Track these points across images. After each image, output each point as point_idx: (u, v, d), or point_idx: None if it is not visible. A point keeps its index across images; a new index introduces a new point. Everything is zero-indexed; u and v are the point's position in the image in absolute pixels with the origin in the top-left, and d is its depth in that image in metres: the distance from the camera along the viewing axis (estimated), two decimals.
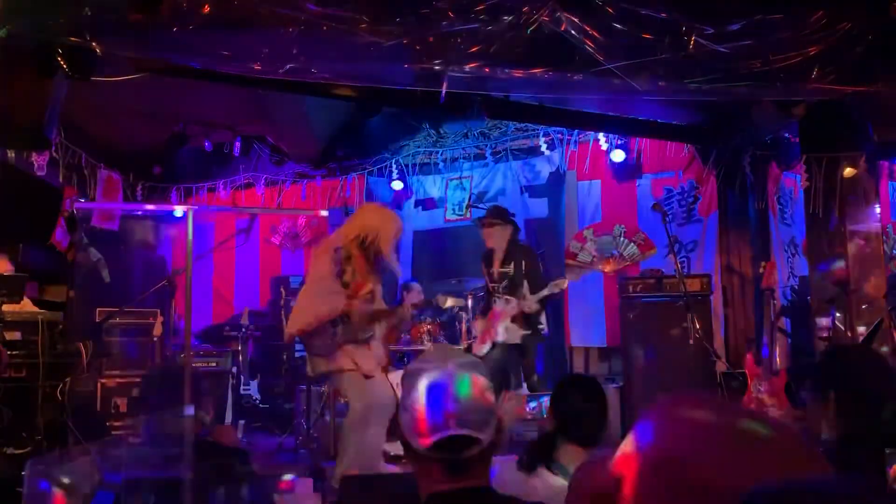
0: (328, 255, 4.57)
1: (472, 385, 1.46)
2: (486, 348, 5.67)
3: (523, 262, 5.73)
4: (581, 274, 7.08)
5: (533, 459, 2.32)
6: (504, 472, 2.00)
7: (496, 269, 5.79)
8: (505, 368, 5.66)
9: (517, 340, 5.62)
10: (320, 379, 5.05)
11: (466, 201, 7.66)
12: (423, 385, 1.47)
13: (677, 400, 0.82)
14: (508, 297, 5.65)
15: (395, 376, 5.70)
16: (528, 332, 5.65)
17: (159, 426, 2.59)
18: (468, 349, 5.92)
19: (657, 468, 0.71)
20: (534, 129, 7.36)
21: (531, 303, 5.59)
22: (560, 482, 2.25)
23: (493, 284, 5.82)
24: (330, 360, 4.51)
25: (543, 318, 5.82)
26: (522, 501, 1.56)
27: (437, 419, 1.43)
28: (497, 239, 5.81)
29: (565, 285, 5.84)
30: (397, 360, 6.34)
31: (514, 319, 5.61)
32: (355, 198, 8.00)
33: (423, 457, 1.47)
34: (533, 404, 5.74)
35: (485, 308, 5.99)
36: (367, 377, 4.49)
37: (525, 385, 5.85)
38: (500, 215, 5.89)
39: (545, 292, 5.63)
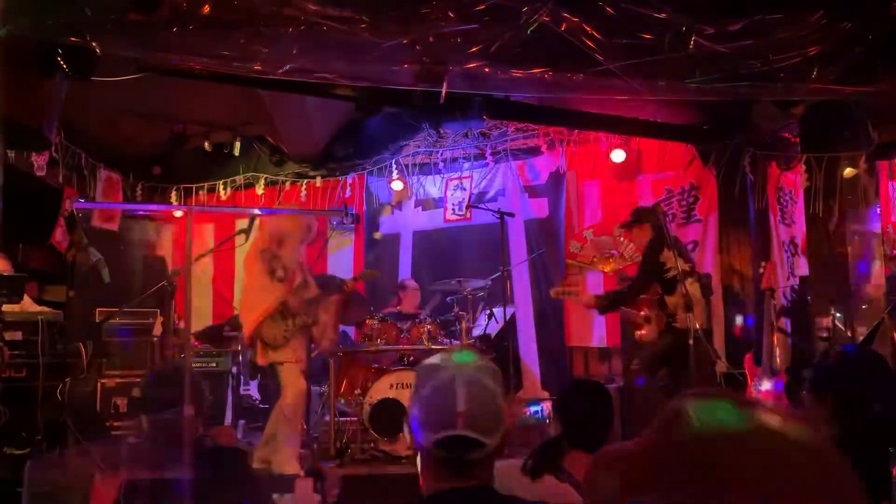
0: (257, 258, 5.19)
1: (484, 390, 1.47)
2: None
3: None
4: (581, 274, 7.08)
5: (538, 465, 2.29)
6: (507, 475, 1.99)
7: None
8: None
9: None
10: (267, 369, 5.63)
11: (466, 201, 7.66)
12: (437, 381, 1.48)
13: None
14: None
15: (397, 376, 5.73)
16: None
17: (158, 427, 2.59)
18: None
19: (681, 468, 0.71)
20: (534, 129, 7.36)
21: None
22: (566, 489, 2.24)
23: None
24: (278, 351, 5.14)
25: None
26: (523, 501, 1.56)
27: (446, 417, 1.44)
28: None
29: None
30: (397, 360, 6.34)
31: None
32: (355, 198, 8.00)
33: (426, 452, 1.47)
34: (535, 408, 5.75)
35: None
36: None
37: None
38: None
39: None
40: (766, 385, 5.18)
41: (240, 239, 4.91)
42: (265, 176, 8.28)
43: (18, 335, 4.83)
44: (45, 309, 5.19)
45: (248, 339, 5.31)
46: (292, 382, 5.13)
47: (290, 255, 5.24)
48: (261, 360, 5.27)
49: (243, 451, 2.90)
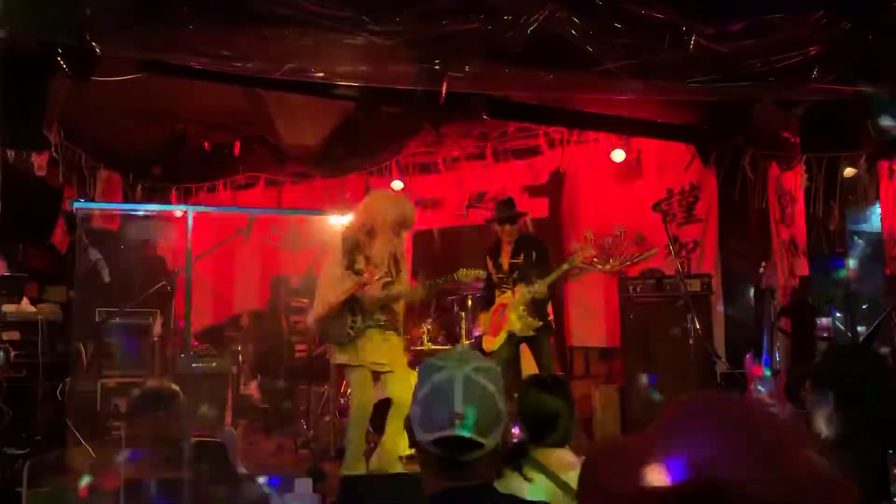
0: (339, 244, 4.77)
1: (483, 391, 1.47)
2: (499, 340, 5.52)
3: (533, 253, 5.59)
4: (581, 274, 7.08)
5: (505, 464, 2.25)
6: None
7: (505, 259, 5.65)
8: (517, 365, 5.59)
9: (530, 333, 5.47)
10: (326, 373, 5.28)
11: (466, 201, 7.66)
12: (436, 380, 1.48)
13: (700, 408, 0.81)
14: (516, 288, 5.52)
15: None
16: (541, 323, 5.48)
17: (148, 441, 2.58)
18: (476, 341, 5.91)
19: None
20: (534, 130, 7.36)
21: (542, 286, 5.41)
22: (535, 486, 2.23)
23: (499, 276, 5.68)
24: (340, 350, 4.73)
25: (550, 310, 5.72)
26: (524, 500, 1.57)
27: (444, 417, 1.44)
28: (509, 232, 5.69)
29: (583, 257, 5.71)
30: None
31: (525, 308, 5.45)
32: (355, 198, 8.00)
33: (425, 451, 1.48)
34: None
35: (487, 302, 5.85)
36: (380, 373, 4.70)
37: None
38: (511, 208, 5.78)
39: (561, 269, 5.55)
40: (766, 385, 5.17)
41: (240, 239, 4.86)
42: (265, 176, 8.28)
43: (18, 335, 4.84)
44: (44, 306, 5.17)
45: (308, 324, 4.94)
46: (356, 391, 4.76)
47: (379, 247, 4.73)
48: (333, 359, 4.99)
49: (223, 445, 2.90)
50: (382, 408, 5.49)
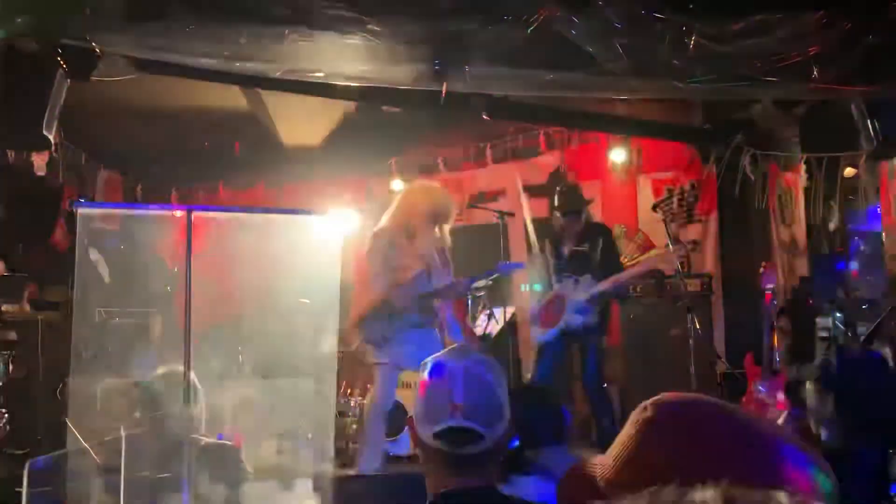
0: (371, 244, 4.60)
1: (483, 381, 1.47)
2: (549, 334, 5.25)
3: (600, 241, 5.29)
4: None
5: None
6: None
7: (569, 247, 5.31)
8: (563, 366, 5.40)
9: (589, 323, 5.13)
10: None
11: (466, 201, 7.66)
12: (435, 374, 1.49)
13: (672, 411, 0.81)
14: (578, 278, 5.18)
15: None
16: (598, 320, 5.19)
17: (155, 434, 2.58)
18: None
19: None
20: (534, 129, 7.36)
21: (610, 283, 5.13)
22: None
23: (559, 264, 5.33)
24: (381, 350, 4.59)
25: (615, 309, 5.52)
26: (527, 502, 1.56)
27: (444, 409, 1.44)
28: (580, 222, 5.35)
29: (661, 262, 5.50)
30: None
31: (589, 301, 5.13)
32: (355, 198, 8.00)
33: (428, 448, 1.47)
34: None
35: (542, 292, 5.45)
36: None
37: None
38: (582, 200, 5.46)
39: (640, 267, 5.38)
40: (766, 385, 5.17)
41: None
42: (265, 176, 8.29)
43: (18, 336, 4.84)
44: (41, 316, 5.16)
45: (349, 336, 4.74)
46: (381, 388, 4.65)
47: (417, 245, 4.56)
48: (365, 359, 4.83)
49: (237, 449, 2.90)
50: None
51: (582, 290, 5.13)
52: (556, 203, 5.49)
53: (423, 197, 4.65)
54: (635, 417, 0.82)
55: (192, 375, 2.99)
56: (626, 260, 7.01)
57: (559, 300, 5.26)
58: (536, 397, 2.67)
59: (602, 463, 0.84)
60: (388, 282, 4.52)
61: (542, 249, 5.50)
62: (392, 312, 4.53)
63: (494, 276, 4.95)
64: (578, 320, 5.12)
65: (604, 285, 5.09)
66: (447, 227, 4.76)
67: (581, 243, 5.29)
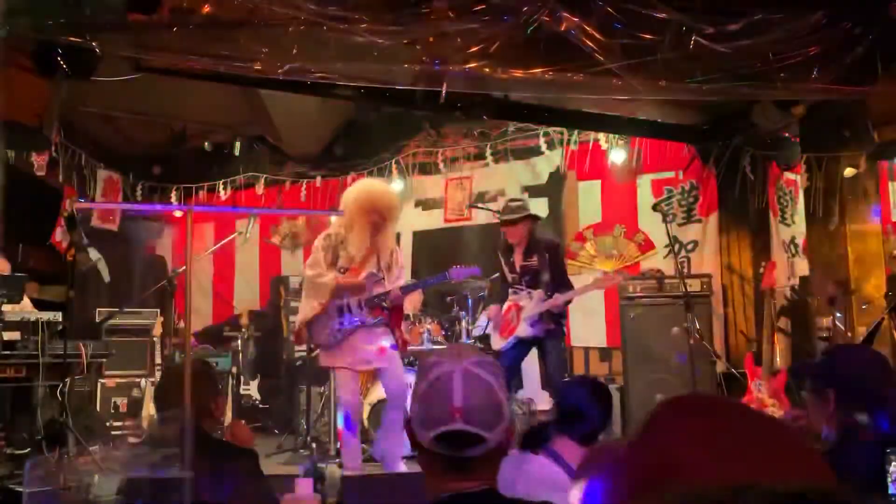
0: (319, 242, 4.67)
1: (483, 383, 1.45)
2: (508, 343, 5.34)
3: (547, 255, 5.35)
4: (581, 274, 7.08)
5: (526, 441, 2.34)
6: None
7: (518, 261, 5.41)
8: (519, 367, 5.52)
9: (540, 335, 5.24)
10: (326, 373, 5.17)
11: (466, 201, 7.66)
12: (434, 375, 1.45)
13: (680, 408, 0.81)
14: (531, 291, 5.28)
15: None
16: (552, 327, 5.26)
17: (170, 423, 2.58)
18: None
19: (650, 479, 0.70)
20: (534, 129, 7.36)
21: (561, 301, 5.20)
22: (556, 471, 2.25)
23: (513, 276, 5.44)
24: (327, 354, 4.69)
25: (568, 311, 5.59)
26: (530, 503, 1.54)
27: (443, 412, 1.41)
28: (520, 233, 5.38)
29: (611, 283, 5.62)
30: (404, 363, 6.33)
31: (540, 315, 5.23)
32: None
33: (427, 451, 1.45)
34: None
35: (501, 299, 5.58)
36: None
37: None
38: (522, 210, 5.48)
39: (588, 288, 5.44)
40: (766, 385, 5.18)
41: (240, 239, 4.83)
42: (265, 176, 8.28)
43: (18, 335, 4.83)
44: (43, 315, 5.15)
45: (296, 337, 4.78)
46: (342, 392, 4.66)
47: (356, 240, 4.58)
48: (321, 362, 4.85)
49: (253, 452, 2.89)
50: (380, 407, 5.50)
51: (535, 304, 5.24)
52: (501, 216, 5.56)
53: (364, 196, 4.63)
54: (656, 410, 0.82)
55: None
56: (626, 260, 7.02)
57: (516, 310, 5.37)
58: None
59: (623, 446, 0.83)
60: (331, 285, 4.53)
61: (499, 258, 5.59)
62: (341, 313, 4.57)
63: (444, 280, 4.99)
64: (532, 332, 5.24)
65: (550, 303, 5.18)
66: (391, 227, 4.78)
67: (528, 257, 5.38)
